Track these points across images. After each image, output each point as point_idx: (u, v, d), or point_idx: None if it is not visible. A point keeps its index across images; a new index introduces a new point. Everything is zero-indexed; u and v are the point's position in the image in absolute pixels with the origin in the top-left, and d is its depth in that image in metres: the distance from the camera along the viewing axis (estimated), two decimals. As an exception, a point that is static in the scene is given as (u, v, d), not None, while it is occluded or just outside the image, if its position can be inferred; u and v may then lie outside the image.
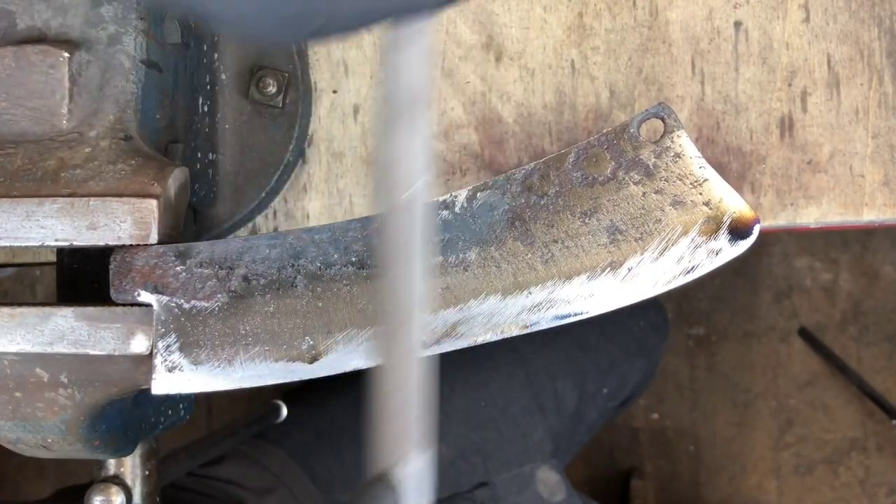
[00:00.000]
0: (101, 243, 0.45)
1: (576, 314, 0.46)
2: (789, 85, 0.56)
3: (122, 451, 0.51)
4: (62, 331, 0.44)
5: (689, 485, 1.57)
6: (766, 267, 1.56)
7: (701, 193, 0.46)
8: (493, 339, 0.45)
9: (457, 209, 0.46)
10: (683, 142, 0.46)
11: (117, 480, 0.55)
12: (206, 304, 0.45)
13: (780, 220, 0.56)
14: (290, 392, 1.03)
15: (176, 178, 0.46)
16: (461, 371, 0.94)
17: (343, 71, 0.58)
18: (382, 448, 0.35)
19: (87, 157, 0.46)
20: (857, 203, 0.56)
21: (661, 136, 0.46)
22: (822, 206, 0.56)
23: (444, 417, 0.92)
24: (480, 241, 0.46)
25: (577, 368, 0.99)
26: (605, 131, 0.47)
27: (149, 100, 0.49)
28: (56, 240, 0.45)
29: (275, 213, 0.59)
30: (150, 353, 0.45)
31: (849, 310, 1.55)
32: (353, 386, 0.96)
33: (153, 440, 0.57)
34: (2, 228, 0.45)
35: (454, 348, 0.45)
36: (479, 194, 0.46)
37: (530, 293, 0.45)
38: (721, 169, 0.55)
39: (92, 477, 0.56)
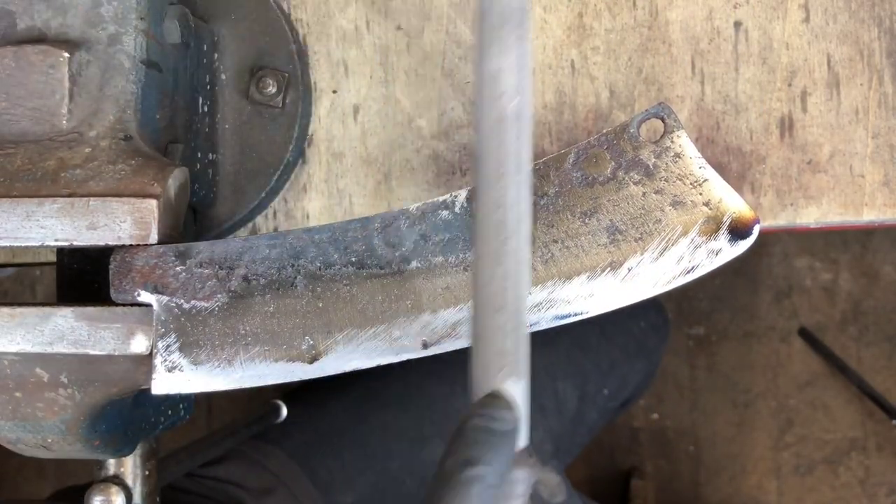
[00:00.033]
0: (101, 243, 0.45)
1: (576, 314, 0.46)
2: (789, 85, 0.56)
3: (122, 451, 0.51)
4: (62, 331, 0.44)
5: (689, 485, 1.57)
6: (766, 267, 1.56)
7: (701, 193, 0.46)
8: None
9: (457, 209, 0.46)
10: (683, 142, 0.46)
11: (117, 480, 0.55)
12: (206, 304, 0.45)
13: (780, 220, 0.56)
14: (290, 392, 1.03)
15: (176, 178, 0.46)
16: (462, 372, 0.94)
17: (343, 71, 0.58)
18: (489, 367, 0.35)
19: (87, 157, 0.46)
20: (857, 203, 0.56)
21: (661, 136, 0.46)
22: (822, 206, 0.56)
23: (445, 419, 0.92)
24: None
25: (578, 369, 0.99)
26: (605, 131, 0.47)
27: (149, 100, 0.49)
28: (56, 240, 0.45)
29: (275, 213, 0.59)
30: (150, 353, 0.45)
31: (849, 310, 1.55)
32: (353, 386, 0.96)
33: (153, 440, 0.57)
34: (2, 228, 0.45)
35: (454, 348, 0.45)
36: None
37: (530, 293, 0.45)
38: (721, 169, 0.55)
39: (92, 477, 0.56)
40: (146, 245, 0.45)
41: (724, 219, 0.46)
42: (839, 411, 1.54)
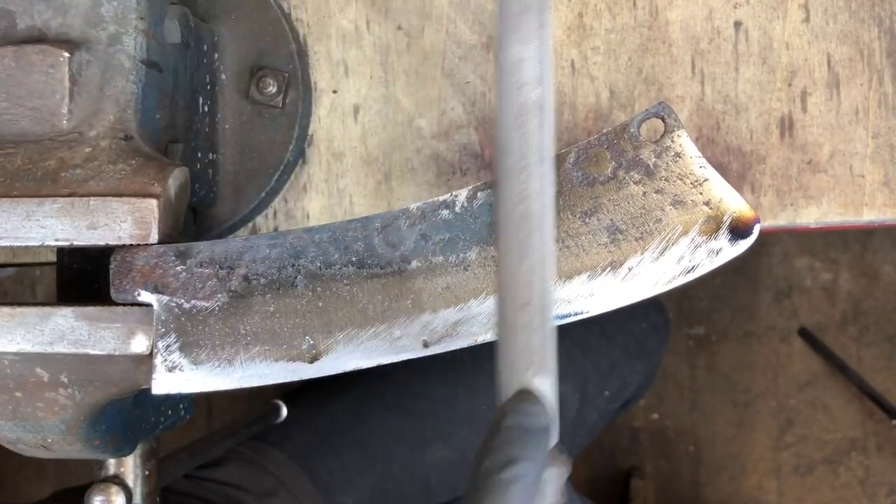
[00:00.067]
0: (101, 243, 0.45)
1: (576, 314, 0.46)
2: (789, 85, 0.56)
3: (122, 451, 0.51)
4: (62, 331, 0.44)
5: (689, 485, 1.57)
6: (766, 267, 1.56)
7: (701, 193, 0.46)
8: (493, 339, 0.45)
9: (457, 209, 0.46)
10: (683, 141, 0.46)
11: (117, 480, 0.55)
12: (206, 304, 0.45)
13: (780, 220, 0.56)
14: (290, 392, 1.03)
15: (176, 178, 0.46)
16: (463, 374, 0.94)
17: (343, 71, 0.59)
18: (518, 364, 0.35)
19: (88, 157, 0.46)
20: (857, 203, 0.56)
21: (662, 136, 0.46)
22: (822, 206, 0.56)
23: (447, 421, 0.92)
24: (480, 241, 0.46)
25: (578, 370, 0.99)
26: (605, 131, 0.47)
27: (149, 100, 0.49)
28: (56, 240, 0.45)
29: (275, 213, 0.59)
30: (150, 353, 0.45)
31: (849, 310, 1.55)
32: (353, 386, 0.95)
33: (153, 440, 0.57)
34: (2, 228, 0.45)
35: (454, 348, 0.45)
36: (479, 194, 0.46)
37: (530, 293, 0.45)
38: (721, 169, 0.55)
39: (92, 477, 0.56)
40: (146, 245, 0.45)
41: (725, 218, 0.46)
42: (839, 411, 1.54)
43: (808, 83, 0.56)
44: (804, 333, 1.54)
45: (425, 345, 0.45)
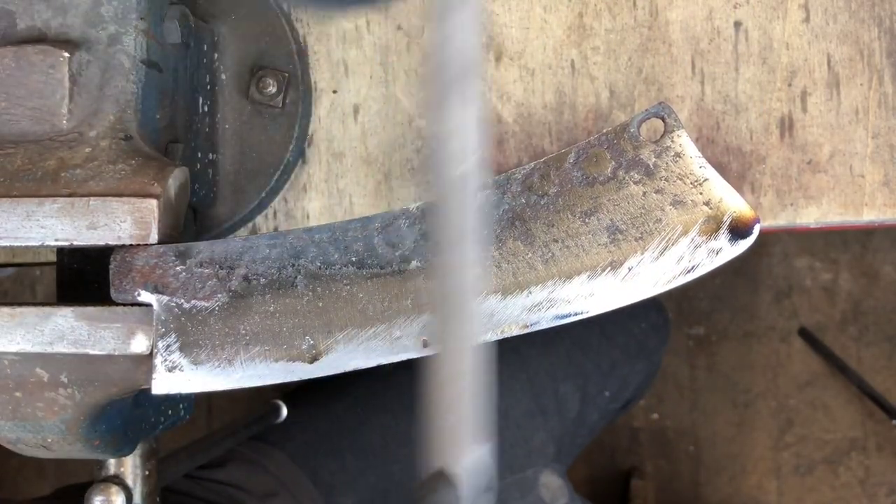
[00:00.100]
0: (101, 243, 0.45)
1: (576, 314, 0.46)
2: (789, 85, 0.56)
3: (122, 451, 0.51)
4: (62, 331, 0.44)
5: (689, 485, 1.57)
6: (766, 267, 1.56)
7: (701, 193, 0.46)
8: (493, 339, 0.45)
9: (457, 209, 0.46)
10: (683, 141, 0.46)
11: (117, 480, 0.55)
12: (206, 304, 0.45)
13: (780, 220, 0.56)
14: (290, 392, 1.03)
15: (176, 178, 0.46)
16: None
17: (343, 71, 0.58)
18: (439, 442, 0.34)
19: (87, 157, 0.46)
20: (857, 203, 0.56)
21: (662, 136, 0.46)
22: (822, 206, 0.56)
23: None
24: (480, 241, 0.46)
25: (579, 371, 0.99)
26: (605, 131, 0.47)
27: (149, 100, 0.49)
28: (56, 240, 0.45)
29: (275, 213, 0.59)
30: (150, 353, 0.45)
31: (849, 310, 1.55)
32: (353, 386, 0.95)
33: (153, 440, 0.57)
34: (2, 228, 0.45)
35: (454, 348, 0.45)
36: (478, 194, 0.46)
37: (530, 293, 0.45)
38: (721, 169, 0.55)
39: (92, 477, 0.56)
40: (146, 245, 0.45)
41: (725, 218, 0.46)
42: (839, 411, 1.54)
43: (808, 83, 0.56)
44: (804, 333, 1.54)
45: (425, 345, 0.45)
